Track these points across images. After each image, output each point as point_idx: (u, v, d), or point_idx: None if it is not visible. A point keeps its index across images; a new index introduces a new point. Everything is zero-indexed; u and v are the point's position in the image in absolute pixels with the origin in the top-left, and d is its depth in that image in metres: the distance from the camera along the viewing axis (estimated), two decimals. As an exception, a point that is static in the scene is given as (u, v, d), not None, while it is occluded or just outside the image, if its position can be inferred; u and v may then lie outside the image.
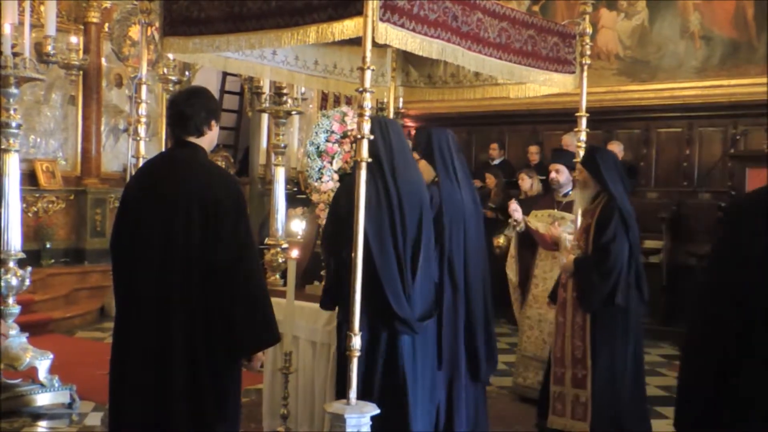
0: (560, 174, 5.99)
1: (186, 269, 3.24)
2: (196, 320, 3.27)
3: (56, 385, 5.45)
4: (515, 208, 6.02)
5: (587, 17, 5.45)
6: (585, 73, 5.42)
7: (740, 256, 2.14)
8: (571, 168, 5.80)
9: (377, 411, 3.54)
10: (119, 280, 3.46)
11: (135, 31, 10.55)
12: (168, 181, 3.34)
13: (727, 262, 2.20)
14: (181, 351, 3.26)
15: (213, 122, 3.47)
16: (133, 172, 5.26)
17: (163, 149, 11.40)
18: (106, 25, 10.48)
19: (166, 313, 3.27)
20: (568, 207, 5.83)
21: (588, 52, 5.41)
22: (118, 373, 3.41)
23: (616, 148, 9.29)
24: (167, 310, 3.26)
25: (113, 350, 3.45)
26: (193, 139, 3.43)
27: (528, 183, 9.17)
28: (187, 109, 3.40)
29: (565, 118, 7.86)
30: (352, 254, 3.39)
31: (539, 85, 5.33)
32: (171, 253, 3.26)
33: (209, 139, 3.48)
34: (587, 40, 5.40)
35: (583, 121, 5.63)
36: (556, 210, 6.01)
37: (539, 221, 6.03)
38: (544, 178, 9.41)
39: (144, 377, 3.31)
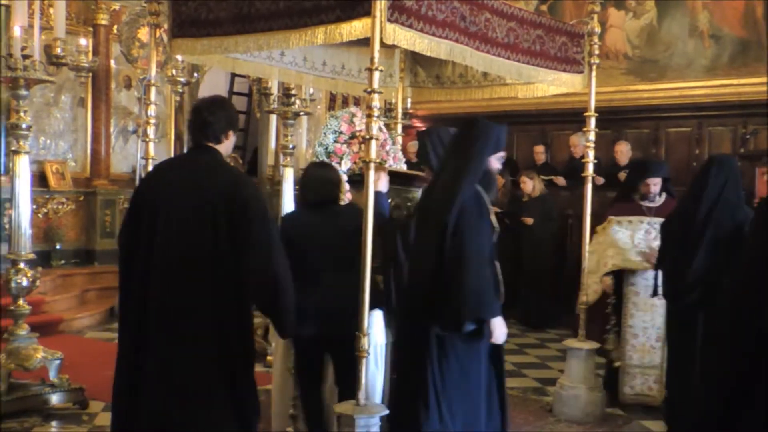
0: (657, 186, 5.93)
1: (216, 273, 3.29)
2: (230, 326, 3.32)
3: (66, 385, 5.47)
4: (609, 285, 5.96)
5: (595, 16, 5.45)
6: (593, 73, 5.42)
7: None
8: (668, 178, 5.95)
9: (386, 411, 3.55)
10: (132, 283, 3.46)
11: (144, 33, 10.56)
12: (193, 183, 3.40)
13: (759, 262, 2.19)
14: (217, 356, 3.29)
15: (231, 132, 3.57)
16: (142, 174, 5.28)
17: (172, 150, 11.45)
18: (115, 27, 10.50)
19: (196, 320, 3.29)
20: (660, 211, 5.80)
21: (596, 52, 5.40)
22: (131, 382, 3.40)
23: (624, 147, 9.26)
24: (197, 316, 3.29)
25: (124, 357, 3.46)
26: (211, 145, 3.52)
27: (530, 185, 9.13)
28: (209, 117, 3.50)
29: (573, 117, 7.84)
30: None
31: (547, 85, 5.33)
32: (199, 257, 3.30)
33: (225, 148, 3.57)
34: (596, 39, 5.39)
35: (592, 121, 5.63)
36: (648, 216, 5.88)
37: (629, 229, 5.84)
38: (548, 178, 9.39)
39: (170, 387, 3.32)
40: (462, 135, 3.98)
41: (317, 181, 4.24)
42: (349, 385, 3.77)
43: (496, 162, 3.96)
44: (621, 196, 6.27)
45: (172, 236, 3.34)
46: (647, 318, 5.77)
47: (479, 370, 3.84)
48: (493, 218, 3.88)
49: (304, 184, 4.33)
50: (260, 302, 3.44)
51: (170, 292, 3.33)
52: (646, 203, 5.88)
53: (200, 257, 3.29)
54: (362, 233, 3.52)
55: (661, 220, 5.54)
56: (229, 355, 3.32)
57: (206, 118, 3.50)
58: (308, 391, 4.27)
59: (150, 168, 4.87)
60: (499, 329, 3.74)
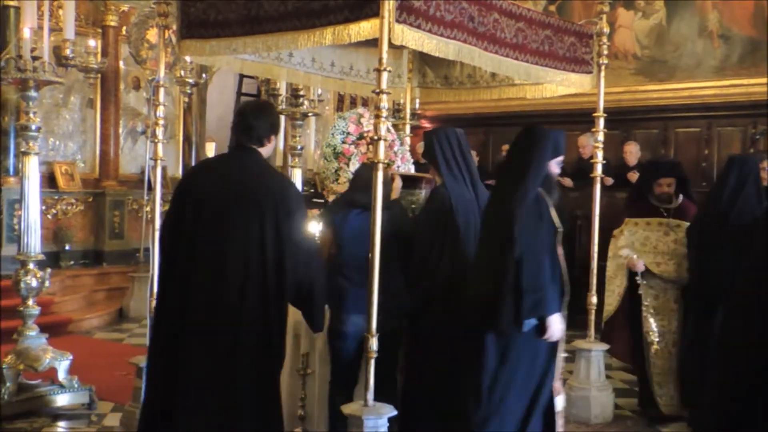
0: (671, 186, 5.64)
1: (259, 272, 3.43)
2: (272, 323, 3.47)
3: (75, 385, 5.49)
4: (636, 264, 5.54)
5: (604, 17, 5.43)
6: (602, 73, 5.40)
7: None
8: (684, 179, 5.76)
9: (394, 412, 3.55)
10: (173, 279, 3.55)
11: (153, 35, 10.58)
12: (240, 184, 3.54)
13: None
14: (259, 353, 3.45)
15: (273, 136, 3.72)
16: (151, 175, 5.29)
17: (181, 151, 11.47)
18: (124, 28, 10.54)
19: (240, 318, 3.42)
20: (678, 213, 5.58)
21: (605, 52, 5.38)
22: (168, 379, 3.48)
23: (633, 148, 9.22)
24: (241, 314, 3.42)
25: (157, 354, 3.57)
26: (254, 147, 3.66)
27: (541, 187, 9.08)
28: (254, 121, 3.65)
29: (582, 118, 7.81)
30: None
31: (556, 86, 5.32)
32: (245, 255, 3.44)
33: (267, 150, 3.73)
34: (604, 39, 5.37)
35: (601, 122, 5.61)
36: (667, 218, 5.58)
37: (647, 231, 5.59)
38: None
39: (210, 384, 3.43)
40: (520, 142, 4.03)
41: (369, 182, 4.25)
42: (391, 380, 4.03)
43: (555, 166, 4.02)
44: (636, 197, 6.10)
45: (218, 234, 3.47)
46: (665, 323, 5.53)
47: (534, 370, 3.89)
48: (555, 218, 3.92)
49: (359, 185, 4.31)
50: (296, 299, 3.62)
51: (216, 289, 3.43)
52: (663, 204, 5.64)
53: (246, 256, 3.43)
54: (371, 233, 3.52)
55: (679, 222, 5.47)
56: (269, 352, 3.48)
57: (251, 122, 3.65)
58: (341, 393, 4.30)
59: (160, 167, 4.88)
60: (555, 325, 3.79)
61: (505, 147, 10.77)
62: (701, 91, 9.64)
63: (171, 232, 3.61)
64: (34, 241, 5.41)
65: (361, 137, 5.35)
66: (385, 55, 3.49)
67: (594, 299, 5.68)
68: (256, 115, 3.69)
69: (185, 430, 3.41)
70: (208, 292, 3.44)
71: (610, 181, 8.37)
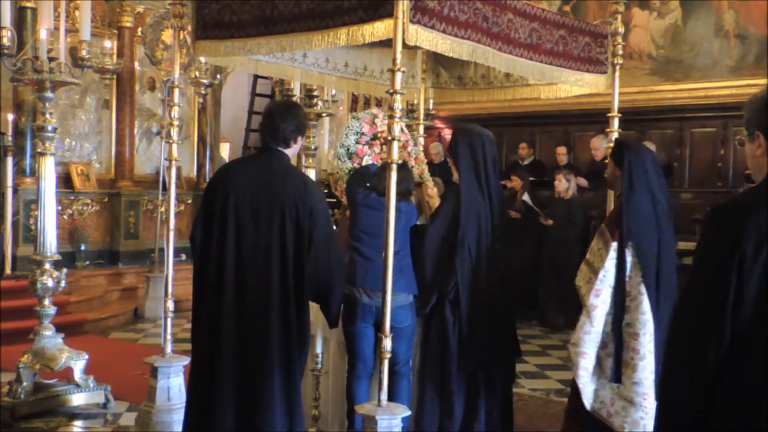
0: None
1: (283, 267, 3.56)
2: (291, 321, 3.56)
3: (91, 385, 5.52)
4: None
5: (619, 17, 5.39)
6: (617, 73, 5.36)
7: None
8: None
9: (408, 413, 3.55)
10: (207, 278, 3.65)
11: (168, 35, 10.64)
12: (266, 185, 3.63)
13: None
14: (281, 349, 3.55)
15: (299, 137, 3.79)
16: (166, 175, 5.30)
17: (195, 151, 11.52)
18: (140, 29, 10.60)
19: (268, 316, 3.53)
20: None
21: (620, 52, 5.34)
22: (207, 371, 3.61)
23: (649, 148, 9.17)
24: (267, 311, 3.54)
25: (198, 348, 3.69)
26: (280, 149, 3.74)
27: (564, 185, 9.03)
28: (281, 122, 3.71)
29: (596, 118, 7.76)
30: None
31: (570, 86, 5.29)
32: (272, 252, 3.56)
33: (292, 151, 3.81)
34: (619, 39, 5.33)
35: (615, 122, 5.56)
36: None
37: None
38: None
39: (240, 376, 3.55)
40: None
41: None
42: None
43: None
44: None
45: (243, 233, 3.58)
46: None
47: None
48: None
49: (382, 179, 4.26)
50: (315, 296, 3.71)
51: (241, 285, 3.56)
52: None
53: (268, 253, 3.55)
54: (386, 231, 3.52)
55: None
56: (289, 348, 3.56)
57: (278, 123, 3.71)
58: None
59: (174, 168, 4.89)
60: None
61: (523, 145, 10.78)
62: (717, 91, 9.58)
63: (203, 232, 3.70)
64: (50, 242, 5.45)
65: (375, 137, 5.34)
66: (399, 56, 3.48)
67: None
68: (282, 116, 3.74)
69: (221, 424, 3.53)
70: (236, 288, 3.57)
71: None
